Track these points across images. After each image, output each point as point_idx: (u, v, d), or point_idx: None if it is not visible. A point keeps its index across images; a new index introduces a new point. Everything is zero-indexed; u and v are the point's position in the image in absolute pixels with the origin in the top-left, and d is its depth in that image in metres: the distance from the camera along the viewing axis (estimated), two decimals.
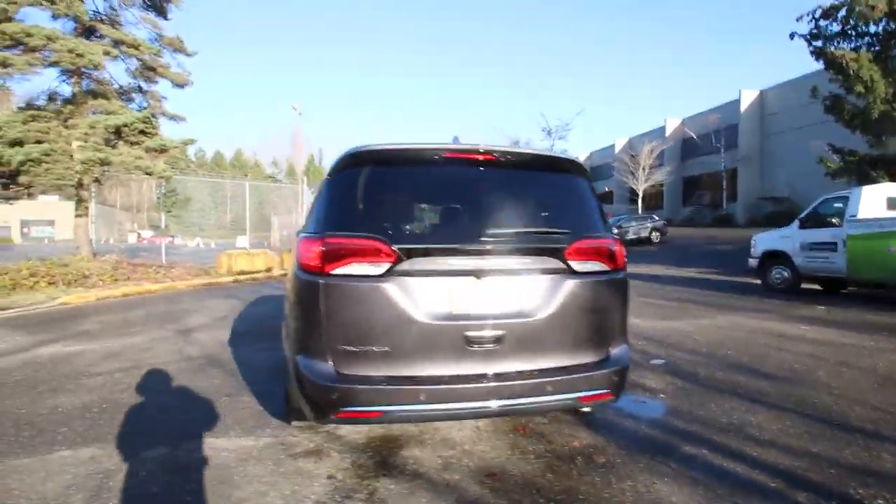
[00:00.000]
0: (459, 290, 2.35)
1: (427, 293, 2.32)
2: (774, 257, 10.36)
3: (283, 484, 2.44)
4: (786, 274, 10.13)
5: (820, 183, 16.92)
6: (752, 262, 10.94)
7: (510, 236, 2.43)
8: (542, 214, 2.58)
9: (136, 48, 11.39)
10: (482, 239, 2.38)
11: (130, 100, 12.64)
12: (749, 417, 3.30)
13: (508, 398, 2.33)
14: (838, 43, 14.40)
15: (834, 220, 9.28)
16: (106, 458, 2.72)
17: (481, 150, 2.55)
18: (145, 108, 12.43)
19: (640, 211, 34.31)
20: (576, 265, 2.49)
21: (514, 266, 2.42)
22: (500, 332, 2.35)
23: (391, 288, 2.28)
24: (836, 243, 9.05)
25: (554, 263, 2.47)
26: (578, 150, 43.74)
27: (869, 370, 4.38)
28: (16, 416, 3.36)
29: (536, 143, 34.04)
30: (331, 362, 2.28)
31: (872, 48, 13.30)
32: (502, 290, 2.40)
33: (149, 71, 12.15)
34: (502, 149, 2.60)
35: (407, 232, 2.41)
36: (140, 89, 12.58)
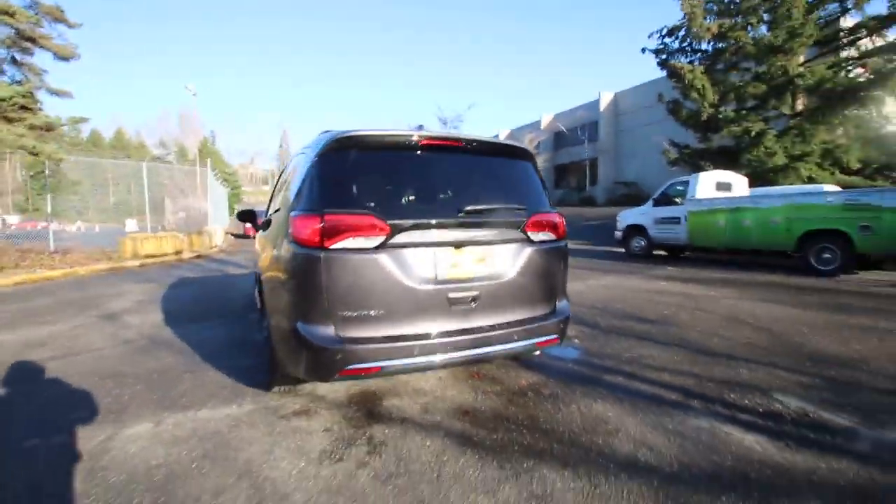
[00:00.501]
0: (442, 259, 2.50)
1: (415, 262, 2.44)
2: (635, 230, 11.83)
3: (284, 441, 2.44)
4: (643, 243, 11.64)
5: (661, 171, 19.37)
6: (618, 234, 12.38)
7: (482, 212, 2.62)
8: (504, 193, 2.80)
9: (11, 15, 9.42)
10: (459, 214, 2.55)
11: (1, 72, 10.50)
12: (644, 351, 3.90)
13: (485, 347, 2.57)
14: (678, 57, 16.50)
15: (678, 200, 10.82)
16: (85, 439, 2.48)
17: (451, 138, 2.70)
18: (23, 82, 10.41)
19: None
20: (532, 235, 2.77)
21: (485, 237, 2.63)
22: (475, 293, 2.56)
23: (385, 259, 2.37)
24: (680, 218, 10.60)
25: (516, 234, 2.72)
26: None
27: (716, 312, 5.33)
28: None
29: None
30: (332, 327, 2.33)
31: (704, 62, 15.41)
32: (476, 257, 2.60)
33: (26, 41, 10.13)
34: (468, 137, 2.76)
35: (395, 208, 2.48)
36: (14, 60, 10.47)
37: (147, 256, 11.12)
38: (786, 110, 14.93)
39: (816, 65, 14.03)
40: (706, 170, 13.77)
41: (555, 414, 2.74)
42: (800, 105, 14.96)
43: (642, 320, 4.97)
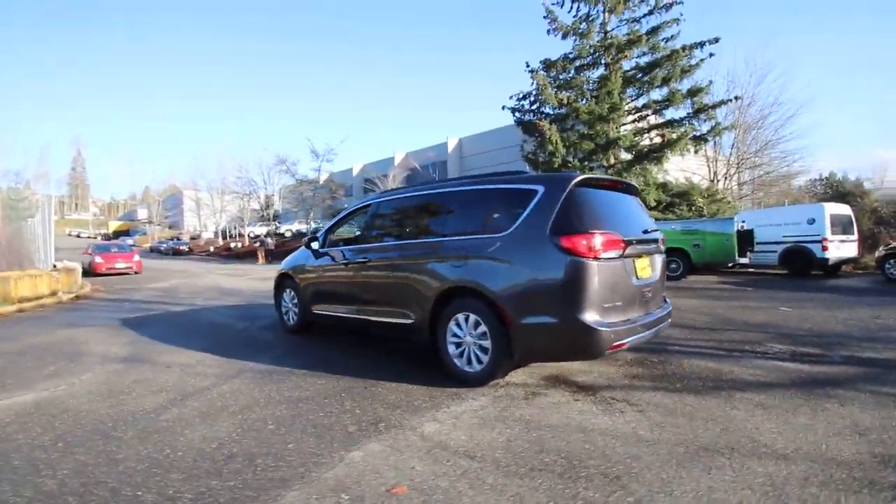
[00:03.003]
0: (638, 265, 3.46)
1: (630, 267, 3.35)
2: None
3: (562, 411, 2.99)
4: None
5: None
6: None
7: (648, 231, 3.68)
8: (645, 218, 3.90)
9: None
10: (643, 233, 3.56)
11: None
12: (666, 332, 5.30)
13: (657, 327, 3.58)
14: (530, 116, 19.96)
15: None
16: (391, 440, 2.62)
17: (614, 180, 3.76)
18: None
19: None
20: (662, 248, 3.93)
21: (651, 250, 3.68)
22: (650, 289, 3.57)
23: (623, 265, 3.24)
24: None
25: (659, 248, 3.84)
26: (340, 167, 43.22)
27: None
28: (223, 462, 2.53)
29: (306, 163, 33.07)
30: (599, 315, 3.06)
31: (552, 123, 19.01)
32: (647, 264, 3.62)
33: None
34: (620, 179, 3.83)
35: (617, 229, 3.34)
36: None
37: (22, 300, 8.67)
38: (605, 163, 19.39)
39: (626, 132, 18.76)
40: None
41: (684, 370, 3.86)
42: (612, 159, 19.61)
43: None
